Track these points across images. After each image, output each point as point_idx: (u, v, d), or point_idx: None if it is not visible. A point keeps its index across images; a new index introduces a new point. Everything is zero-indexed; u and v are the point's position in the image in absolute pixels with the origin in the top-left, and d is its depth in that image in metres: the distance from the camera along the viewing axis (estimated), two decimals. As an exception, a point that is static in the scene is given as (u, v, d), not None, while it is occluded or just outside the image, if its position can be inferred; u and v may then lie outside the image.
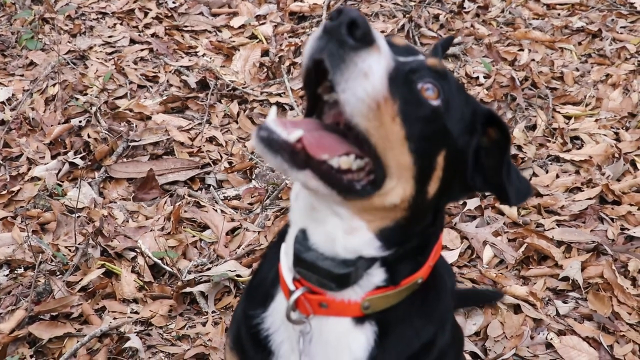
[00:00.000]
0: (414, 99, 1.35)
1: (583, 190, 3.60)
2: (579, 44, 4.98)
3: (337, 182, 1.31)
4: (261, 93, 4.31)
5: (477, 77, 4.48)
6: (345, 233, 1.39)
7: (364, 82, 1.24)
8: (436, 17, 5.13)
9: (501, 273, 3.12)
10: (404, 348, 1.52)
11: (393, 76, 1.31)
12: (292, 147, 1.26)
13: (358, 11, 1.23)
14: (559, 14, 5.40)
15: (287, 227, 1.53)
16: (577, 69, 4.65)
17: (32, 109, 4.07)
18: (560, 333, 2.87)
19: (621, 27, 5.17)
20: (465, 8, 5.36)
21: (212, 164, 3.74)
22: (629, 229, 3.36)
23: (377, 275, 1.46)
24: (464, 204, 3.47)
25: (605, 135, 4.02)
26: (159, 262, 3.08)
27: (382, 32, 4.92)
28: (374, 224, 1.40)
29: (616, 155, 3.83)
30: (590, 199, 3.53)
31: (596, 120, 4.15)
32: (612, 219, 3.43)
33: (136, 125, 3.96)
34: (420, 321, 1.55)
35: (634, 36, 5.02)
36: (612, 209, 3.49)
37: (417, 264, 1.51)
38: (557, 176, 3.72)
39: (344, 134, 1.36)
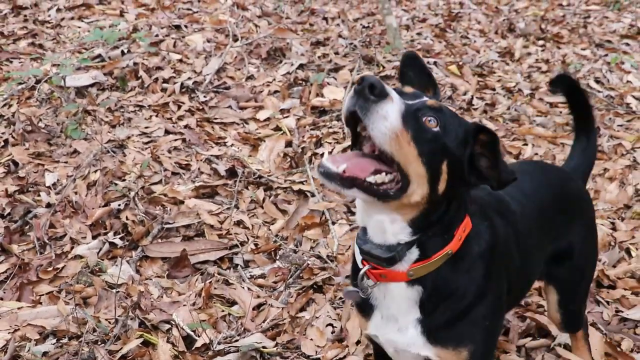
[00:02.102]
0: (421, 128, 1.91)
1: (581, 275, 3.88)
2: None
3: (375, 192, 1.90)
4: (285, 181, 4.67)
5: (485, 170, 4.81)
6: (390, 223, 2.01)
7: (385, 122, 1.82)
8: (447, 113, 5.52)
9: (505, 340, 3.39)
10: (439, 297, 2.15)
11: (404, 115, 1.87)
12: (340, 175, 1.87)
13: (374, 76, 1.80)
14: (560, 112, 5.80)
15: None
16: (577, 164, 4.99)
17: (75, 193, 4.40)
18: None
19: (618, 125, 5.56)
20: (473, 105, 5.77)
21: (239, 245, 4.06)
22: (622, 311, 3.64)
23: (413, 253, 2.06)
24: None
25: (602, 225, 4.32)
26: (192, 333, 3.38)
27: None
28: (406, 216, 2.00)
29: (612, 243, 4.13)
30: (587, 283, 3.81)
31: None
32: (607, 302, 3.71)
33: (170, 209, 4.30)
34: (450, 276, 2.14)
35: (629, 134, 5.39)
36: (608, 292, 3.77)
37: (444, 241, 2.08)
38: (558, 262, 4.01)
39: (378, 157, 1.93)
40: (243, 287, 3.72)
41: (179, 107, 5.48)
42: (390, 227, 2.02)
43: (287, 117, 5.47)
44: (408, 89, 2.10)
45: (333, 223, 4.26)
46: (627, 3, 9.27)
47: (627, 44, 7.78)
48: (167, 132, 5.14)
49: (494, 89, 6.19)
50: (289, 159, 4.90)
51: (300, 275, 3.82)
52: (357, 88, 1.82)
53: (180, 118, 5.34)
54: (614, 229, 4.32)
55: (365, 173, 1.89)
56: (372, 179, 1.89)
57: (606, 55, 7.35)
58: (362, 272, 2.14)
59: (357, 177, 1.88)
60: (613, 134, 5.40)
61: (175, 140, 5.04)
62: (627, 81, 6.60)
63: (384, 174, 1.91)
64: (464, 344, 2.20)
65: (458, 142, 2.01)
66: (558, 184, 2.85)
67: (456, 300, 2.16)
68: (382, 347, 2.39)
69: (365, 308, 2.30)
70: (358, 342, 3.36)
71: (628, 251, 4.11)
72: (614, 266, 3.99)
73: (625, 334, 3.48)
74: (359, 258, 2.18)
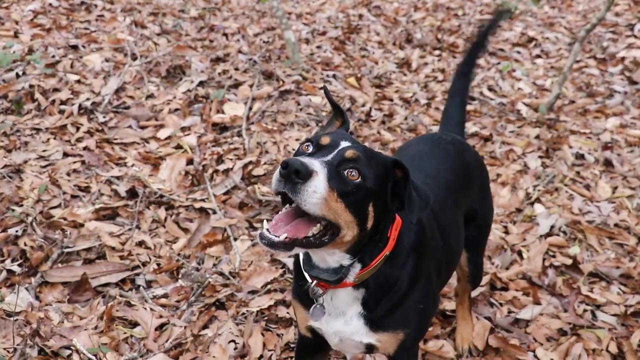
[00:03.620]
0: (345, 182, 2.10)
1: (476, 279, 4.04)
2: (474, 147, 5.53)
3: (313, 244, 2.13)
4: (186, 199, 4.68)
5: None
6: (329, 255, 2.30)
7: (315, 195, 2.00)
8: (346, 126, 5.63)
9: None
10: (381, 293, 2.44)
11: (329, 177, 2.05)
12: (283, 242, 2.08)
13: (297, 160, 1.94)
14: (455, 120, 5.97)
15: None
16: (472, 170, 5.18)
17: (-30, 221, 4.31)
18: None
19: (509, 132, 5.79)
20: (372, 116, 5.91)
21: (141, 266, 4.05)
22: (514, 312, 3.81)
23: (356, 267, 2.35)
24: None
25: (495, 229, 4.51)
26: (93, 358, 3.35)
27: (297, 139, 5.40)
28: (342, 249, 2.27)
29: (505, 246, 4.32)
30: (482, 286, 3.96)
31: (488, 216, 4.65)
32: (500, 304, 3.88)
33: (70, 233, 4.24)
34: (390, 273, 2.43)
35: (520, 139, 5.62)
36: (501, 294, 3.94)
37: (379, 248, 2.36)
38: (453, 266, 4.16)
39: None
40: (145, 308, 3.71)
41: (78, 128, 5.40)
42: (330, 258, 2.31)
43: (188, 134, 5.47)
44: (325, 141, 2.23)
45: (235, 239, 4.30)
46: (518, 12, 9.65)
47: (518, 52, 8.11)
48: (65, 154, 5.06)
49: (392, 100, 6.35)
50: (190, 177, 4.91)
51: (203, 293, 3.84)
52: (283, 173, 1.98)
53: (79, 140, 5.27)
54: (507, 232, 4.50)
55: (304, 233, 2.11)
56: (310, 233, 2.12)
57: (498, 63, 7.65)
58: (312, 284, 2.41)
59: (297, 238, 2.10)
60: (505, 140, 5.62)
61: (75, 162, 4.97)
62: (518, 88, 6.89)
63: (318, 225, 2.12)
64: (401, 327, 2.51)
65: (380, 180, 2.21)
66: (456, 157, 3.11)
67: (395, 292, 2.45)
68: (311, 340, 2.72)
69: (308, 302, 2.54)
70: (260, 357, 3.41)
71: (520, 253, 4.29)
72: (507, 268, 4.16)
73: (517, 333, 3.64)
74: (307, 276, 2.44)
